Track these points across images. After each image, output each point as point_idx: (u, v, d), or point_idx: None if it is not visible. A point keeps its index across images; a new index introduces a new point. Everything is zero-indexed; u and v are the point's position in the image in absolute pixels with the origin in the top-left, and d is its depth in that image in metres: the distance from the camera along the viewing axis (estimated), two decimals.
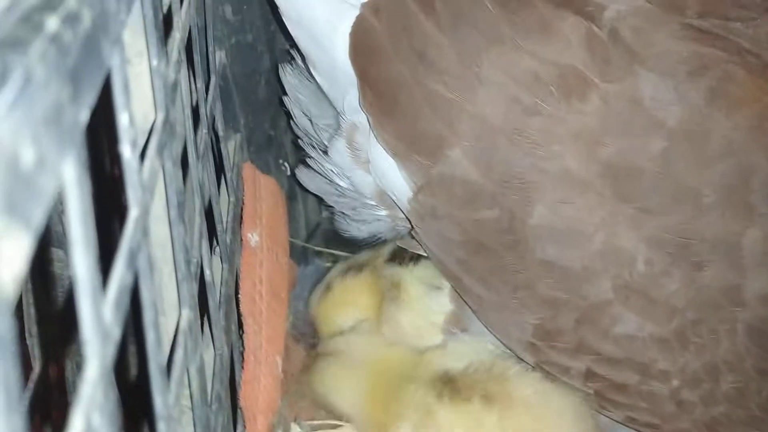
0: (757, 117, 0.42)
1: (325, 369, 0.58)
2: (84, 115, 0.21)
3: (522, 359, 0.50)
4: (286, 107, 0.63)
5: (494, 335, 0.52)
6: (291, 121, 0.62)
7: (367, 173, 0.52)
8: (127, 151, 0.27)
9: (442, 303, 0.55)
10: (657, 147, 0.42)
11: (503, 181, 0.44)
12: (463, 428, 0.50)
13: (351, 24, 0.48)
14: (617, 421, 0.50)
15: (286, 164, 0.72)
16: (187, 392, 0.35)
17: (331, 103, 0.55)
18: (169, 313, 0.35)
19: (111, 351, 0.22)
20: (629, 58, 0.43)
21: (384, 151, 0.49)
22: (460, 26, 0.44)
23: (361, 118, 0.51)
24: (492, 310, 0.49)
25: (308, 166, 0.60)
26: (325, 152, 0.55)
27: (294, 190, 0.75)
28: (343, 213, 0.58)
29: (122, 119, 0.27)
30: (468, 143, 0.45)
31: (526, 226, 0.44)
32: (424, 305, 0.56)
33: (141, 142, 0.31)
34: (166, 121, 0.33)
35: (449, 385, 0.50)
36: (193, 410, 0.35)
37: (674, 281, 0.42)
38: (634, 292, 0.43)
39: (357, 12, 0.48)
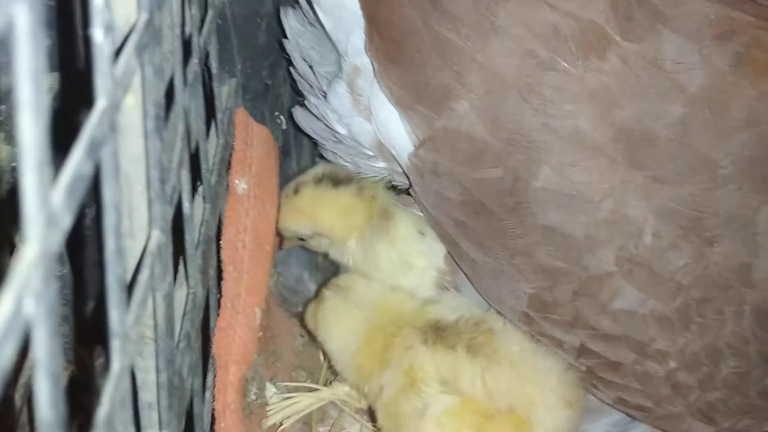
0: None
1: (324, 312, 0.57)
2: None
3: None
4: (286, 54, 0.60)
5: (488, 302, 0.49)
6: (290, 67, 0.59)
7: (367, 121, 0.50)
8: (99, 35, 0.24)
9: (423, 248, 0.55)
10: (675, 113, 0.40)
11: (510, 139, 0.42)
12: (444, 374, 0.49)
13: None
14: (607, 404, 0.48)
15: (281, 117, 0.69)
16: (151, 322, 0.33)
17: (333, 47, 0.52)
18: (138, 234, 0.33)
19: (57, 237, 0.19)
20: (653, 17, 0.40)
21: (387, 100, 0.47)
22: None
23: (364, 61, 0.48)
24: (487, 276, 0.47)
25: (306, 108, 0.57)
26: (325, 96, 0.53)
27: (288, 146, 0.72)
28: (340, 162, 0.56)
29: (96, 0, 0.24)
30: (476, 96, 0.43)
31: (530, 189, 0.42)
32: (407, 246, 0.56)
33: (119, 37, 0.29)
34: (149, 24, 0.31)
35: (437, 332, 0.50)
36: (156, 341, 0.33)
37: (682, 256, 0.40)
38: (639, 265, 0.41)
39: None
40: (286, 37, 0.58)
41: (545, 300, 0.44)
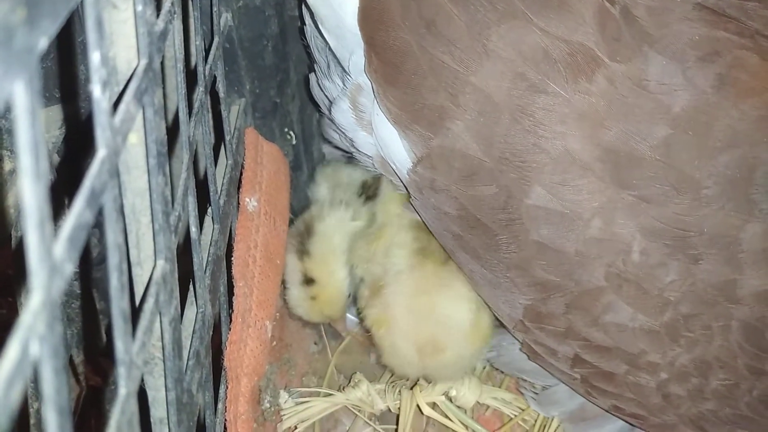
0: (766, 107, 0.41)
1: None
2: (41, 43, 0.21)
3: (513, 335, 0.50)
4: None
5: (488, 306, 0.51)
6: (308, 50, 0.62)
7: (370, 135, 0.52)
8: (97, 90, 0.27)
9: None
10: (660, 134, 0.41)
11: (502, 158, 0.43)
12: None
13: None
14: (604, 410, 0.49)
15: (291, 133, 0.71)
16: (159, 344, 0.35)
17: (338, 64, 0.54)
18: (145, 263, 0.35)
19: (59, 285, 0.22)
20: (640, 38, 0.41)
21: (386, 119, 0.49)
22: None
23: (365, 80, 0.50)
24: (485, 286, 0.49)
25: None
26: (329, 112, 0.55)
27: (299, 160, 0.74)
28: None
29: (93, 57, 0.26)
30: (470, 117, 0.44)
31: (523, 206, 0.43)
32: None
33: (119, 86, 0.31)
34: (149, 68, 0.33)
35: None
36: (164, 362, 0.35)
37: (669, 273, 0.41)
38: (627, 281, 0.42)
39: None
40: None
41: (540, 311, 0.45)
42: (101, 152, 0.27)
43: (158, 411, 0.36)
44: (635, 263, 0.41)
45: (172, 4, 0.39)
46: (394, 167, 0.51)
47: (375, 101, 0.50)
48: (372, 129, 0.52)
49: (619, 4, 0.42)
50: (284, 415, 0.62)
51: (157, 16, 0.35)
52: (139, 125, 0.33)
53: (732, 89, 0.41)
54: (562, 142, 0.42)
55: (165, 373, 0.35)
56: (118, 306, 0.28)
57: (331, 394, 0.64)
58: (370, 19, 0.47)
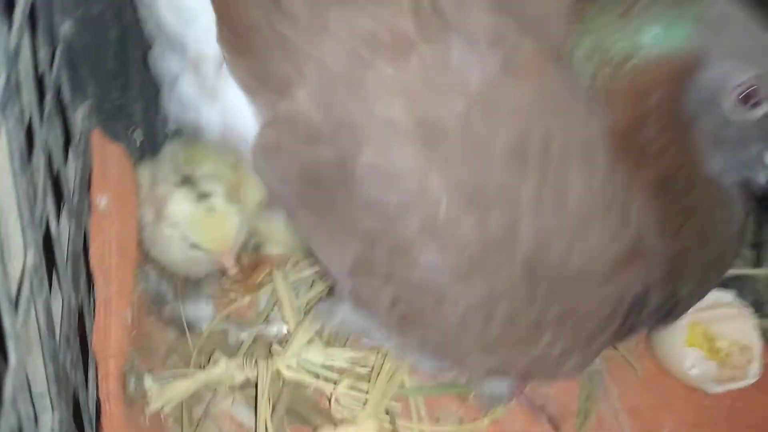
0: (537, 87, 0.50)
1: None
2: None
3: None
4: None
5: (322, 261, 0.57)
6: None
7: (213, 104, 0.55)
8: None
9: None
10: (460, 106, 0.48)
11: (339, 123, 0.49)
12: None
13: None
14: (414, 345, 0.57)
15: (136, 132, 0.75)
16: (35, 325, 0.39)
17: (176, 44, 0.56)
18: (16, 255, 0.39)
19: None
20: (444, 25, 0.49)
21: (236, 86, 0.53)
22: None
23: (207, 48, 0.53)
24: (322, 241, 0.55)
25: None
26: (171, 86, 0.57)
27: (144, 158, 0.78)
28: None
29: None
30: (312, 86, 0.49)
31: (356, 165, 0.49)
32: None
33: None
34: (8, 83, 0.37)
35: None
36: (41, 341, 0.39)
37: (468, 221, 0.49)
38: (437, 227, 0.49)
39: None
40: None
41: (367, 258, 0.52)
42: None
43: (38, 387, 0.40)
44: (442, 213, 0.49)
45: (23, 19, 0.43)
46: (239, 133, 0.55)
47: (221, 70, 0.54)
48: (215, 97, 0.55)
49: None
50: (150, 397, 0.66)
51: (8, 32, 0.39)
52: (3, 133, 0.38)
53: (513, 71, 0.49)
54: (386, 112, 0.48)
55: (42, 351, 0.39)
56: (3, 289, 0.32)
57: (192, 373, 0.69)
58: None
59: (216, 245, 0.69)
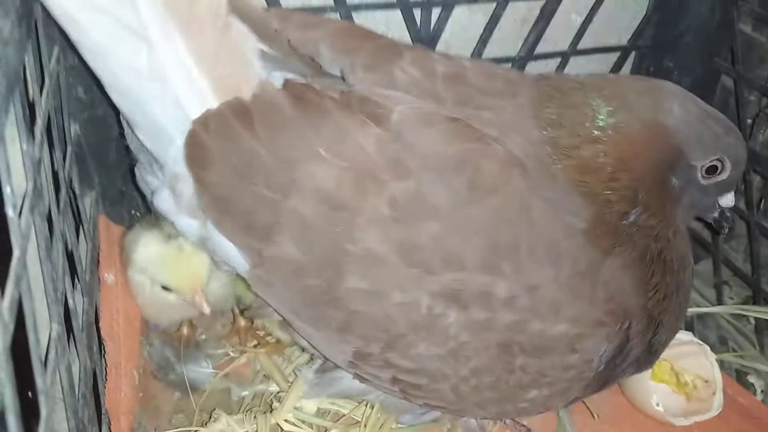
0: (503, 200, 0.56)
1: None
2: None
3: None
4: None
5: (324, 357, 0.65)
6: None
7: (191, 218, 0.61)
8: (11, 212, 0.40)
9: None
10: (434, 228, 0.55)
11: (321, 258, 0.56)
12: None
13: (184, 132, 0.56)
14: (419, 404, 0.65)
15: (138, 214, 0.84)
16: (59, 386, 0.48)
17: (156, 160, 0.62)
18: (43, 326, 0.48)
19: (8, 337, 0.35)
20: (411, 157, 0.55)
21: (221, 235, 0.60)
22: (277, 141, 0.56)
23: (181, 169, 0.59)
24: (320, 342, 0.63)
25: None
26: (152, 201, 0.64)
27: None
28: None
29: (6, 190, 0.40)
30: (291, 231, 0.56)
31: (342, 290, 0.56)
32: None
33: (19, 204, 0.44)
34: (35, 188, 0.46)
35: None
36: (64, 400, 0.48)
37: (449, 318, 0.57)
38: (421, 327, 0.57)
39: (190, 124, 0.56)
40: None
41: (364, 352, 0.60)
42: (16, 252, 0.40)
43: None
44: (425, 315, 0.56)
45: (42, 135, 0.52)
46: (231, 263, 0.62)
47: (194, 192, 0.59)
48: (194, 211, 0.61)
49: (393, 130, 0.56)
50: None
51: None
52: (33, 231, 0.46)
53: (478, 189, 0.55)
54: (362, 244, 0.55)
55: (65, 407, 0.47)
56: (36, 353, 0.41)
57: (195, 430, 0.76)
58: (196, 163, 0.57)
59: (186, 284, 0.69)
